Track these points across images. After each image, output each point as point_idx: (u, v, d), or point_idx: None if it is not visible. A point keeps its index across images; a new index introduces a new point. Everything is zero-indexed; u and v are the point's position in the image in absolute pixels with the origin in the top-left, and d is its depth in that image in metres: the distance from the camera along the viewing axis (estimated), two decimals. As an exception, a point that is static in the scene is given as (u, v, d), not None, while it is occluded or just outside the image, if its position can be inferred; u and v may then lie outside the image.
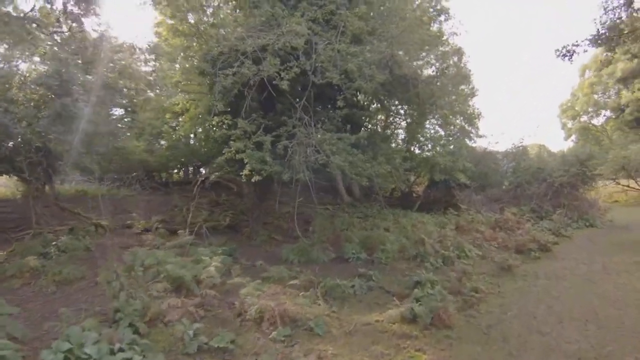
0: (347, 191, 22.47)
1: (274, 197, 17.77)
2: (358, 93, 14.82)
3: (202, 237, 14.55)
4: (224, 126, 13.14)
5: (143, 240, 14.03)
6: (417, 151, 21.42)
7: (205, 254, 11.39)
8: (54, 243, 12.26)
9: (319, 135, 11.69)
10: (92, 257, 11.95)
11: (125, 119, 25.69)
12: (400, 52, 12.31)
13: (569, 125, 37.68)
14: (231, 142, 11.91)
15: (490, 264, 12.86)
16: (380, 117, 19.90)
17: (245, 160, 11.86)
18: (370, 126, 17.81)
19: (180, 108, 21.14)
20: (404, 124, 21.33)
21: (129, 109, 15.25)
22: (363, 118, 15.69)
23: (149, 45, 20.55)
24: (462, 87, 19.51)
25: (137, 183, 22.91)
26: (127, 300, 7.63)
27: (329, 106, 13.00)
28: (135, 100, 14.51)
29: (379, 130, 19.10)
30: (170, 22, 17.95)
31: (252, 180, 11.80)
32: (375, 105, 18.24)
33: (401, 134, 21.82)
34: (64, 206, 16.29)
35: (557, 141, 50.42)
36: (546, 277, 11.78)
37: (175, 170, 26.22)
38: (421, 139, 20.76)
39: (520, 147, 24.22)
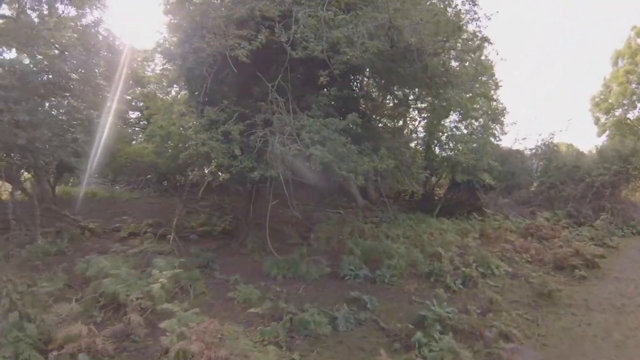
0: (363, 193, 18.83)
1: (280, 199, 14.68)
2: (364, 78, 11.23)
3: (190, 244, 12.07)
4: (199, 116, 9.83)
5: (124, 245, 11.29)
6: (437, 150, 17.55)
7: (159, 266, 8.29)
8: (26, 246, 10.30)
9: (296, 122, 8.21)
10: (57, 262, 9.58)
11: (142, 122, 23.43)
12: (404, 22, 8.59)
13: (602, 119, 30.70)
14: (190, 132, 8.68)
15: (524, 287, 8.95)
16: (388, 105, 15.91)
17: (213, 155, 8.58)
18: (377, 118, 14.04)
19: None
20: (423, 123, 17.59)
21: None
22: (365, 106, 12.08)
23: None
24: (484, 78, 15.50)
25: (149, 186, 20.28)
26: (21, 323, 5.73)
27: (320, 90, 9.46)
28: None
29: (387, 122, 15.17)
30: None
31: (220, 177, 8.50)
32: (385, 95, 14.55)
33: (421, 132, 17.97)
34: (51, 208, 13.49)
35: (586, 139, 43.52)
36: (600, 308, 7.85)
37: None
38: (442, 137, 16.87)
39: (551, 144, 19.57)
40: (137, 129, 22.86)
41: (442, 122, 16.52)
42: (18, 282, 6.76)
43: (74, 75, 10.39)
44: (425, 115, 16.48)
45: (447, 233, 12.53)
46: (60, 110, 9.48)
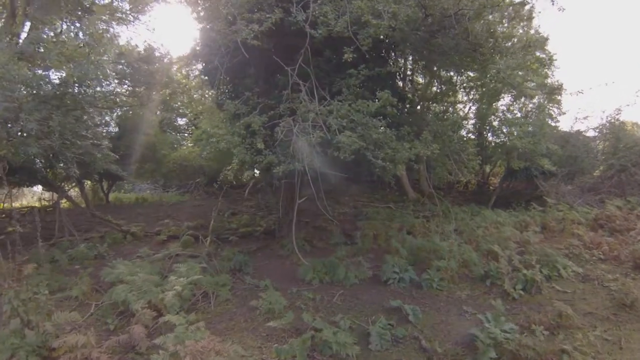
0: (415, 186, 17.24)
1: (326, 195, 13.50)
2: (401, 58, 9.66)
3: (229, 245, 11.02)
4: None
5: (161, 248, 10.85)
6: (490, 137, 15.52)
7: (179, 271, 7.61)
8: (68, 251, 10.22)
9: (322, 107, 6.89)
10: (96, 266, 9.23)
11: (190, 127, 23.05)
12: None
13: None
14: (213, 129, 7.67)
15: (600, 294, 7.02)
16: (433, 90, 14.01)
17: (234, 151, 7.46)
18: (423, 103, 12.27)
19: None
20: (473, 109, 15.64)
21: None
22: (406, 88, 10.45)
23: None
24: (537, 53, 13.25)
25: (198, 189, 19.73)
26: (22, 331, 5.33)
27: (350, 72, 7.99)
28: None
29: (434, 107, 13.32)
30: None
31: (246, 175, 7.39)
32: (431, 82, 12.80)
33: (471, 119, 15.97)
34: (95, 214, 13.11)
35: None
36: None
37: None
38: (494, 122, 14.86)
39: (618, 122, 16.23)
40: (186, 134, 22.58)
41: (494, 105, 14.56)
42: (22, 289, 6.12)
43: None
44: (475, 98, 14.56)
45: (504, 227, 10.71)
46: (72, 119, 8.68)
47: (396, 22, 6.71)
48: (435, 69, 9.92)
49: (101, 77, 8.87)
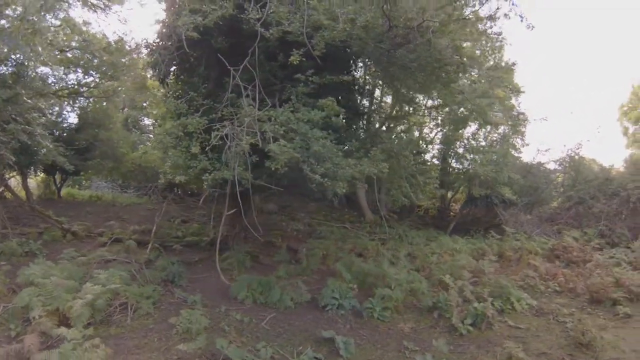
0: (373, 207, 16.51)
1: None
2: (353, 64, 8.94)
3: (171, 254, 9.88)
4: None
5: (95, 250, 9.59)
6: (454, 164, 15.09)
7: (98, 278, 6.50)
8: None
9: (263, 113, 6.07)
10: (23, 263, 7.79)
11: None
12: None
13: (631, 130, 25.78)
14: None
15: (554, 330, 6.31)
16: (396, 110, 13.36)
17: (168, 153, 6.58)
18: (387, 124, 11.58)
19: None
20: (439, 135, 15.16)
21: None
22: (367, 106, 9.76)
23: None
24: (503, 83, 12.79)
25: (157, 193, 18.45)
26: None
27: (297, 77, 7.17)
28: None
29: (395, 126, 12.68)
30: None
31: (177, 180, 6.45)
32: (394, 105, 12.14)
33: (437, 144, 15.47)
34: (35, 208, 11.99)
35: (609, 154, 35.82)
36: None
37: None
38: (458, 149, 14.44)
39: (577, 156, 16.00)
40: (151, 135, 21.37)
41: (460, 132, 14.12)
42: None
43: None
44: (441, 123, 14.10)
45: (459, 254, 10.03)
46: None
47: (353, 27, 6.00)
48: (397, 85, 9.22)
49: (31, 53, 7.79)
